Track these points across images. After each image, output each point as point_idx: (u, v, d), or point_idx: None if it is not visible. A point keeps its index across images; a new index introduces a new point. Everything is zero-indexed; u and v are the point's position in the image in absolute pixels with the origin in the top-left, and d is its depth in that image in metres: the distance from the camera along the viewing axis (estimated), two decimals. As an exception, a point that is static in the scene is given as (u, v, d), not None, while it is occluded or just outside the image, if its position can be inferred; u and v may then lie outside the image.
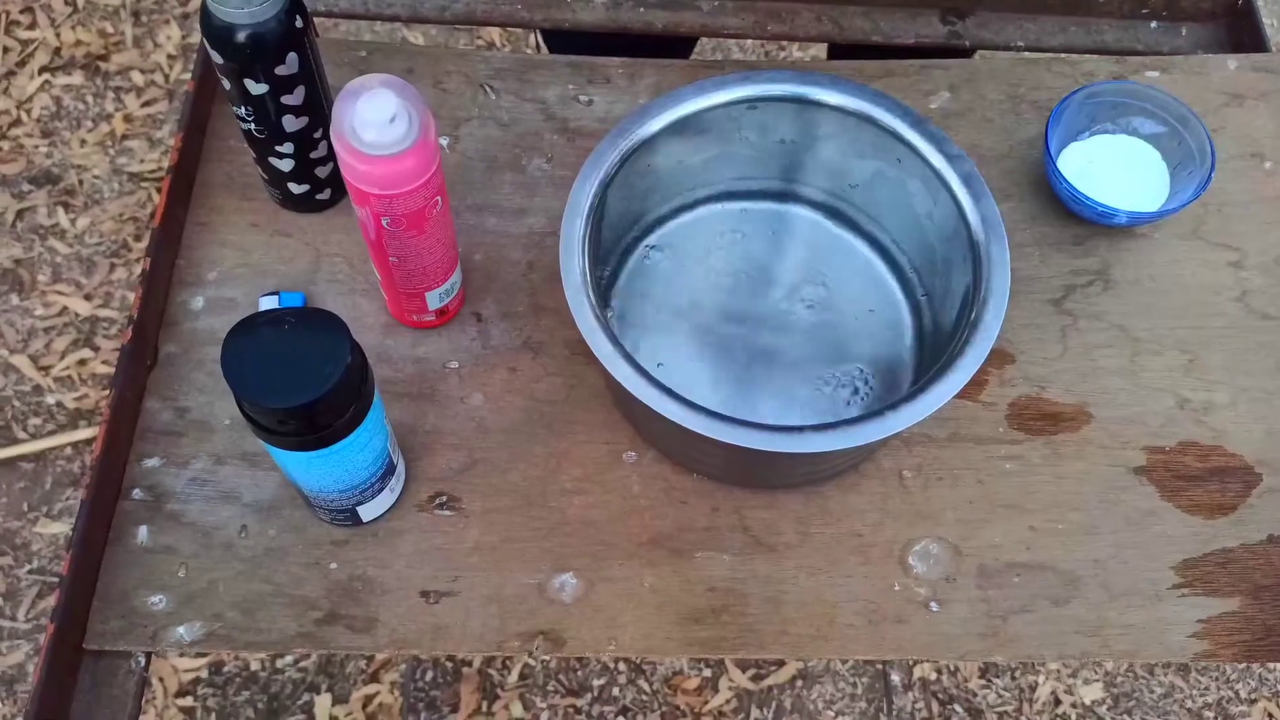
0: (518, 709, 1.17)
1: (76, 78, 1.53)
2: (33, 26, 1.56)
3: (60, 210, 1.44)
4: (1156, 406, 0.63)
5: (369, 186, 0.51)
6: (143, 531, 0.57)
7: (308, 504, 0.56)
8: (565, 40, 0.96)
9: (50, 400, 1.34)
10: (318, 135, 0.61)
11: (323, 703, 1.17)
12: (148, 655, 0.56)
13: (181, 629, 0.55)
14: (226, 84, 0.56)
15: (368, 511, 0.56)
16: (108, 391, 0.58)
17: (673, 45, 0.99)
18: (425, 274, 0.58)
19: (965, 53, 0.81)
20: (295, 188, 0.63)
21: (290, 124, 0.58)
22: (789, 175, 0.66)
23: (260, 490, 0.59)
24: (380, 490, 0.55)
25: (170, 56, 1.56)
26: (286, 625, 0.55)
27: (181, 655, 0.55)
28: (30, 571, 1.25)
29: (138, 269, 1.41)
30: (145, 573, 0.56)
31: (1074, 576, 0.59)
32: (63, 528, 1.27)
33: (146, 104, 1.53)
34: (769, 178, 0.66)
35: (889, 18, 0.76)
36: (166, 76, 1.55)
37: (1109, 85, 0.67)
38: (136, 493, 0.58)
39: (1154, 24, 0.78)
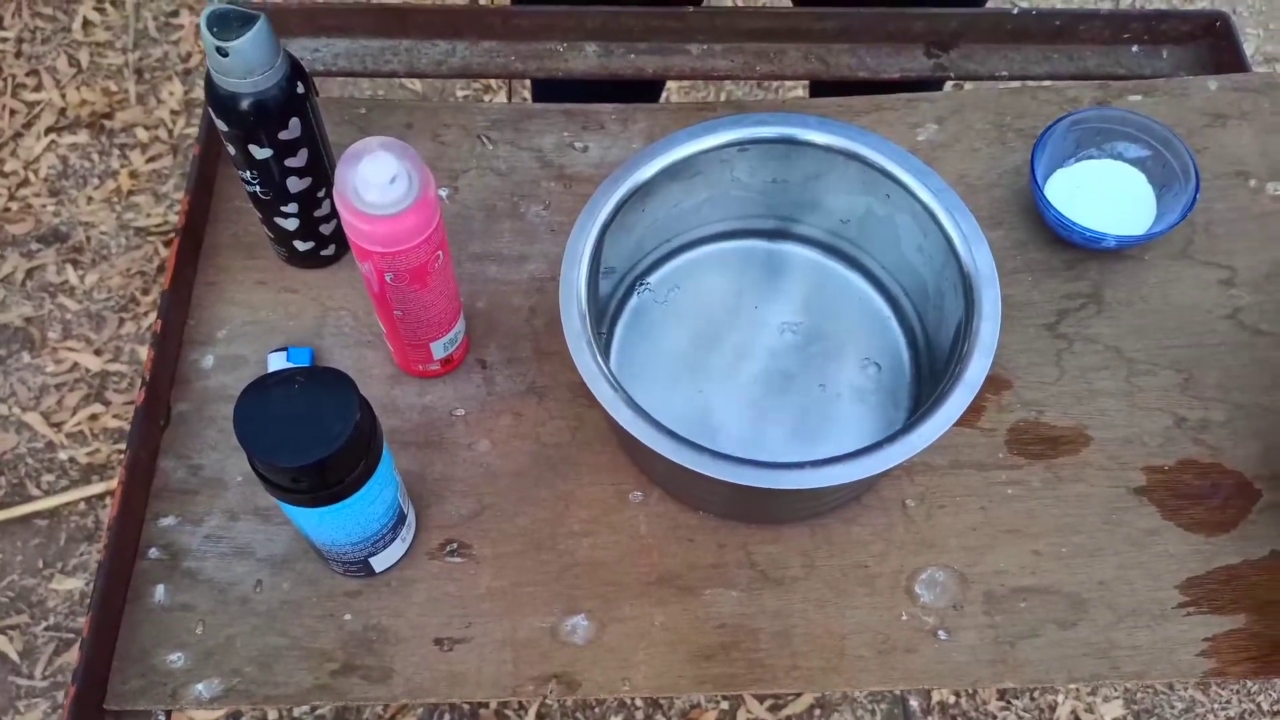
0: (536, 748, 1.17)
1: (82, 136, 1.56)
2: (39, 88, 1.59)
3: (69, 267, 1.47)
4: (1154, 426, 0.64)
5: (372, 245, 0.52)
6: (160, 590, 0.58)
7: (321, 556, 0.57)
8: (547, 88, 0.98)
9: (63, 456, 1.35)
10: (321, 194, 0.62)
11: (341, 749, 1.17)
12: (168, 713, 0.56)
13: (200, 686, 0.56)
14: (231, 149, 0.58)
15: (380, 562, 0.57)
16: (120, 446, 0.60)
17: (646, 89, 1.01)
18: (429, 325, 0.59)
19: (937, 85, 0.83)
20: (300, 245, 0.65)
21: (294, 185, 0.60)
22: (782, 214, 0.67)
23: (274, 544, 0.60)
24: (392, 540, 0.56)
25: (173, 112, 1.59)
26: (303, 678, 0.56)
27: (200, 709, 0.55)
28: (47, 629, 1.26)
29: (146, 322, 1.43)
30: (163, 631, 0.57)
31: (1080, 599, 0.59)
32: (78, 583, 1.28)
33: (151, 159, 1.55)
34: (762, 217, 0.68)
35: (874, 53, 0.78)
36: (170, 131, 1.58)
37: (1091, 112, 0.69)
38: (153, 552, 0.59)
39: (1135, 48, 0.80)
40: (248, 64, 0.53)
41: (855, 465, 0.52)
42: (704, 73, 0.77)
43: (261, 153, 0.57)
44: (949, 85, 1.11)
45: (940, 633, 0.58)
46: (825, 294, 0.67)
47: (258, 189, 0.60)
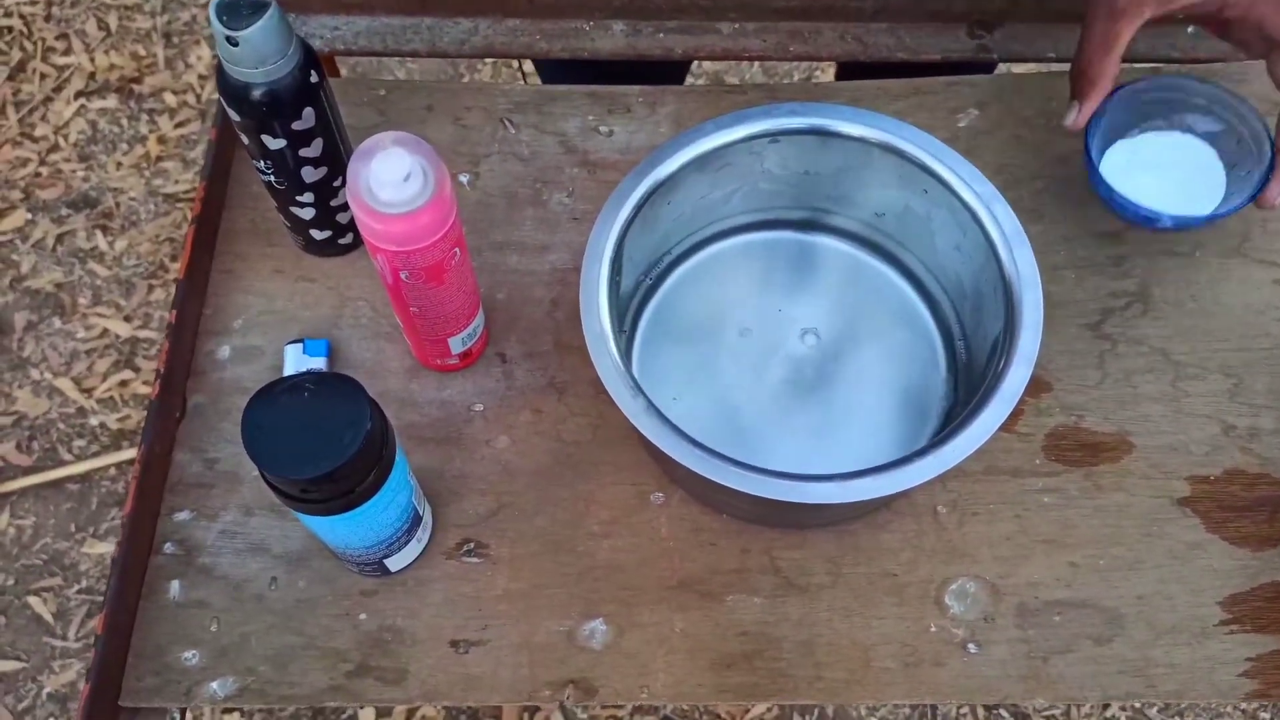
0: (558, 725, 1.17)
1: (111, 101, 1.55)
2: (68, 52, 1.58)
3: (99, 233, 1.47)
4: (1200, 434, 0.61)
5: (386, 244, 0.51)
6: (175, 586, 0.58)
7: (335, 555, 0.56)
8: (556, 67, 0.91)
9: (94, 422, 1.36)
10: (337, 184, 0.60)
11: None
12: (182, 711, 0.56)
13: (215, 684, 0.55)
14: (245, 139, 0.56)
15: (395, 563, 0.56)
16: (149, 413, 0.59)
17: (668, 70, 0.95)
18: (446, 321, 0.57)
19: (989, 67, 0.79)
20: (317, 234, 0.63)
21: (309, 175, 0.58)
22: (814, 206, 0.64)
23: (289, 541, 0.59)
24: (407, 542, 0.55)
25: (201, 77, 1.58)
26: (318, 678, 0.56)
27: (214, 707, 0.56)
28: (79, 591, 1.28)
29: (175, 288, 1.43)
30: (178, 628, 0.57)
31: (1117, 614, 0.57)
32: (109, 547, 1.29)
33: (179, 125, 1.54)
34: (793, 209, 0.65)
35: (915, 33, 0.74)
36: (198, 96, 1.56)
37: (1158, 80, 0.63)
38: (168, 547, 0.59)
39: (1190, 27, 0.75)
40: (259, 53, 0.51)
41: (885, 479, 0.50)
42: (736, 53, 0.74)
43: (275, 143, 0.55)
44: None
45: (970, 646, 0.56)
46: (857, 290, 0.65)
47: (272, 178, 0.58)
